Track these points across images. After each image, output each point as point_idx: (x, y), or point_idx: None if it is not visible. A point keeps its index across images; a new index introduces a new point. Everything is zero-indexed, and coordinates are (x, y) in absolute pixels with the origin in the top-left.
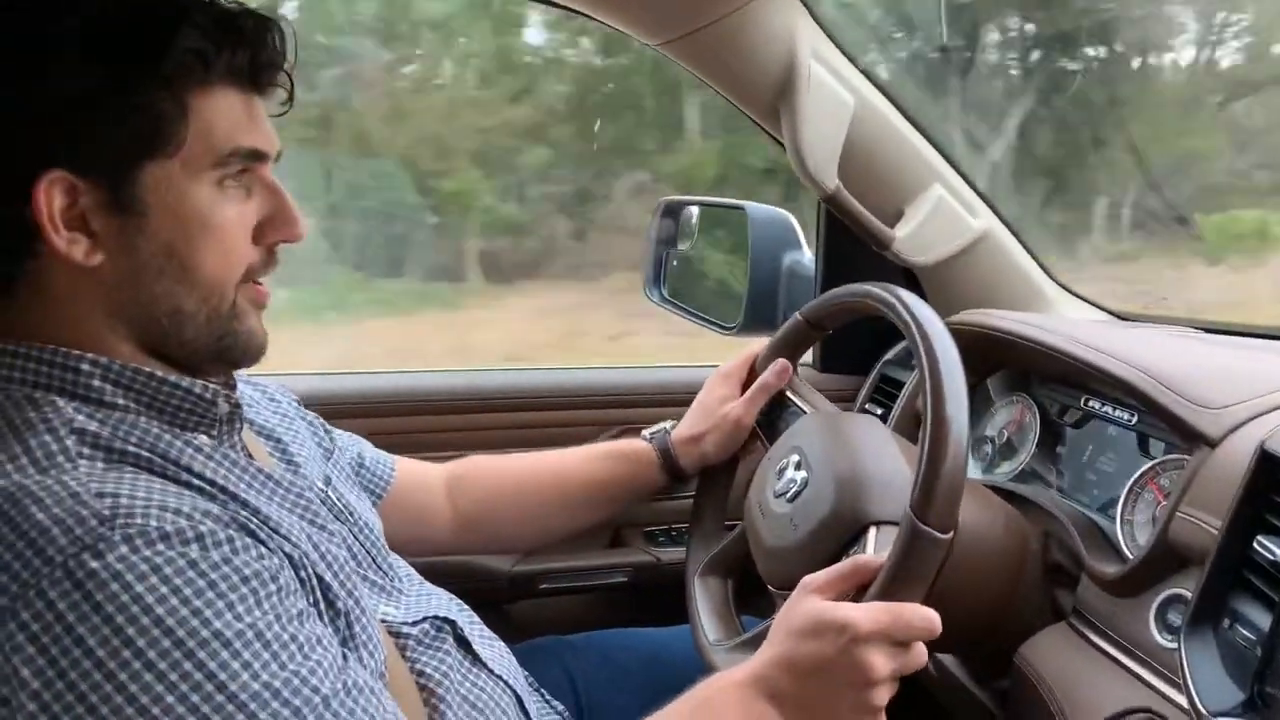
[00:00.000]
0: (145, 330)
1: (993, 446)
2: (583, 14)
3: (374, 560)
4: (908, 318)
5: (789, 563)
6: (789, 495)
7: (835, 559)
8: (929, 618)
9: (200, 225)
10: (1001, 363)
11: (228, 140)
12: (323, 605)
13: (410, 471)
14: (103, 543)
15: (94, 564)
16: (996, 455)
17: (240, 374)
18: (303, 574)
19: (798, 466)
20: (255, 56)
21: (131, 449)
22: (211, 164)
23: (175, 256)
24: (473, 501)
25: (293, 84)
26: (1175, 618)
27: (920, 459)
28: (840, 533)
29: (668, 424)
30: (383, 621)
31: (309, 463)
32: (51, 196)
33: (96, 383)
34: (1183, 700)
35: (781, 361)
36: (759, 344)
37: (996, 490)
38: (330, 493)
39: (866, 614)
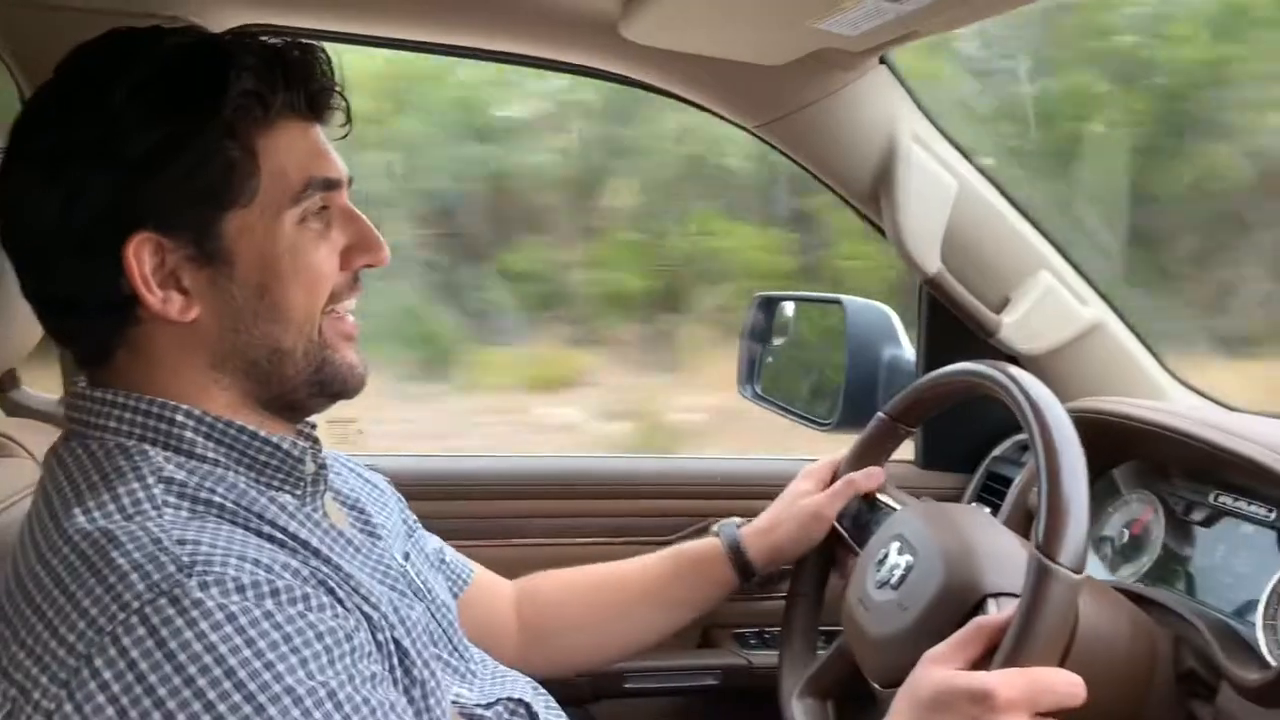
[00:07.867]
0: (248, 375)
1: (1113, 547)
2: (680, 99)
3: (450, 641)
4: (1018, 393)
5: (901, 651)
6: (893, 581)
7: None
8: (1073, 680)
9: (288, 264)
10: (1121, 454)
11: (300, 174)
12: (399, 672)
13: (485, 581)
14: (179, 589)
15: (170, 610)
16: (1119, 556)
17: (336, 453)
18: (380, 637)
19: (900, 551)
20: (309, 86)
21: (217, 499)
22: (290, 202)
23: (267, 297)
24: (538, 613)
25: (349, 106)
26: None
27: (1041, 495)
28: (955, 609)
29: (738, 519)
30: (455, 703)
31: (391, 536)
32: (141, 258)
33: (189, 434)
34: None
35: (874, 468)
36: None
37: (1121, 592)
38: (409, 568)
39: (1003, 679)
